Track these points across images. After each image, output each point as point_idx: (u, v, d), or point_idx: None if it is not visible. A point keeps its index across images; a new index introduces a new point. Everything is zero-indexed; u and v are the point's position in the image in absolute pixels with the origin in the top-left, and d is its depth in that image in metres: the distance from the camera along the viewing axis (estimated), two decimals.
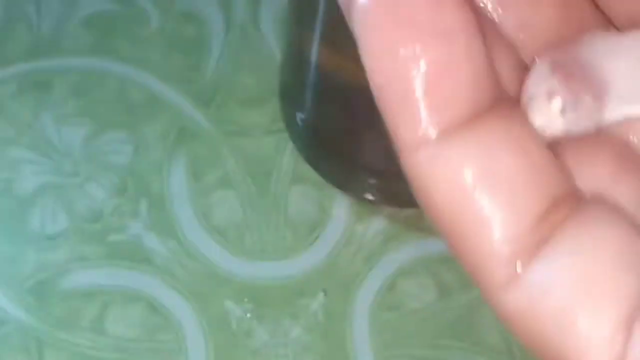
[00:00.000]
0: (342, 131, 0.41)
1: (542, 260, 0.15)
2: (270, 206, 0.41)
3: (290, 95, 0.42)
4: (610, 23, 0.18)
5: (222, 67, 0.44)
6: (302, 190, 0.41)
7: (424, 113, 0.14)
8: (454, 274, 0.39)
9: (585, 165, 0.16)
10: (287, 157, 0.42)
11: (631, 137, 0.17)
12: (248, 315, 0.38)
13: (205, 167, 0.42)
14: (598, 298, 0.14)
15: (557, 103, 0.16)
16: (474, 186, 0.14)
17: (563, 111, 0.16)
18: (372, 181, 0.41)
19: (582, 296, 0.14)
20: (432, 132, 0.14)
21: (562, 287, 0.15)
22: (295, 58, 0.41)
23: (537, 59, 0.17)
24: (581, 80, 0.17)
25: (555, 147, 0.16)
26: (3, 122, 0.42)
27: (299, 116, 0.41)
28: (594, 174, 0.16)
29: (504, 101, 0.15)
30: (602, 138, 0.17)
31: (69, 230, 0.39)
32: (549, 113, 0.16)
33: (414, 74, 0.14)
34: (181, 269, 0.39)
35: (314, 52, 0.38)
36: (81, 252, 0.39)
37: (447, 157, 0.15)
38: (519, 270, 0.15)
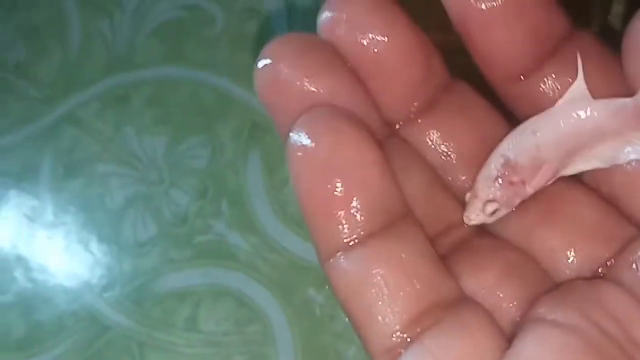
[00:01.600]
0: None
1: (410, 356, 0.18)
2: None
3: None
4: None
5: None
6: None
7: (337, 228, 0.18)
8: None
9: (474, 270, 0.19)
10: None
11: (603, 187, 0.20)
12: (328, 301, 0.40)
13: (279, 161, 0.43)
14: None
15: (490, 208, 0.19)
16: (365, 292, 0.18)
17: (493, 213, 0.19)
18: None
19: None
20: (344, 243, 0.18)
21: None
22: None
23: (495, 153, 0.20)
24: (520, 173, 0.19)
25: (449, 255, 0.19)
26: (89, 140, 0.45)
27: None
28: (480, 279, 0.19)
29: (403, 219, 0.18)
30: (498, 244, 0.20)
31: (158, 236, 0.42)
32: (482, 215, 0.19)
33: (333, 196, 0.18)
34: (263, 262, 0.41)
35: None
36: (171, 255, 0.42)
37: (345, 269, 0.18)
38: None
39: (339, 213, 0.18)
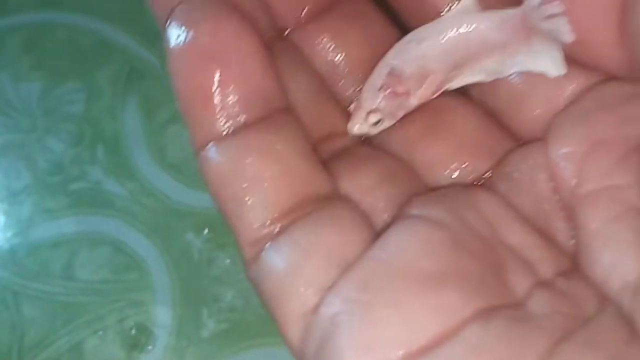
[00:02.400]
0: None
1: (275, 245, 0.17)
2: None
3: None
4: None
5: None
6: None
7: (211, 118, 0.18)
8: None
9: (352, 174, 0.19)
10: None
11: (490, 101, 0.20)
12: (207, 245, 0.39)
13: (158, 106, 0.43)
14: (306, 273, 0.17)
15: (374, 118, 0.19)
16: (235, 181, 0.18)
17: (376, 123, 0.19)
18: None
19: (295, 270, 0.17)
20: (218, 132, 0.18)
21: (281, 266, 0.17)
22: None
23: (380, 64, 0.19)
24: (405, 84, 0.19)
25: (329, 160, 0.19)
26: None
27: None
28: (357, 182, 0.19)
29: (281, 113, 0.18)
30: (380, 154, 0.20)
31: (33, 185, 0.41)
32: (365, 125, 0.19)
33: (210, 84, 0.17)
34: (141, 208, 0.40)
35: None
36: (46, 204, 0.41)
37: (216, 158, 0.18)
38: (262, 252, 0.18)
39: (214, 101, 0.17)
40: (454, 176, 0.19)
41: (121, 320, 0.39)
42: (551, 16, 0.18)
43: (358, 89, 0.20)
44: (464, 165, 0.19)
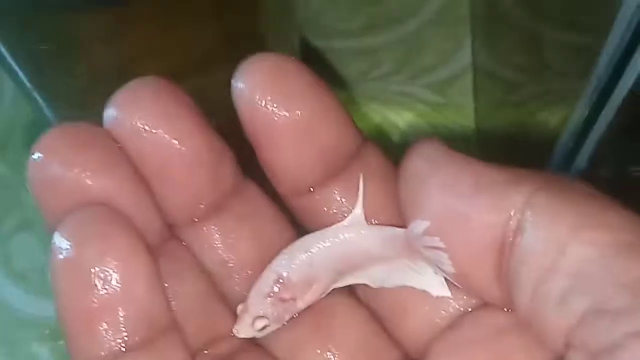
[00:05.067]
0: None
1: None
2: None
3: None
4: None
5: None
6: None
7: (94, 341, 0.17)
8: None
9: None
10: None
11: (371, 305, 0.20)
12: (53, 354, 0.39)
13: (4, 214, 0.42)
14: None
15: (260, 324, 0.20)
16: None
17: (263, 328, 0.20)
18: None
19: None
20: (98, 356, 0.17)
21: None
22: None
23: (266, 271, 0.20)
24: (291, 290, 0.20)
25: None
26: None
27: None
28: None
29: (164, 335, 0.18)
30: None
31: None
32: (251, 330, 0.20)
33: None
34: None
35: None
36: None
37: None
38: None
39: (98, 326, 0.17)
40: None
41: None
42: (432, 248, 0.18)
43: (246, 289, 0.20)
44: None
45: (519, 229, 0.17)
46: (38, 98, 0.30)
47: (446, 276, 0.19)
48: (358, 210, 0.19)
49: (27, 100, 0.31)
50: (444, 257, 0.18)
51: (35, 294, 0.40)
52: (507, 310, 0.18)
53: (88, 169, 0.18)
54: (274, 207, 0.21)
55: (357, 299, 0.21)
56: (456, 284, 0.18)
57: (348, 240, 0.20)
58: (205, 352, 0.20)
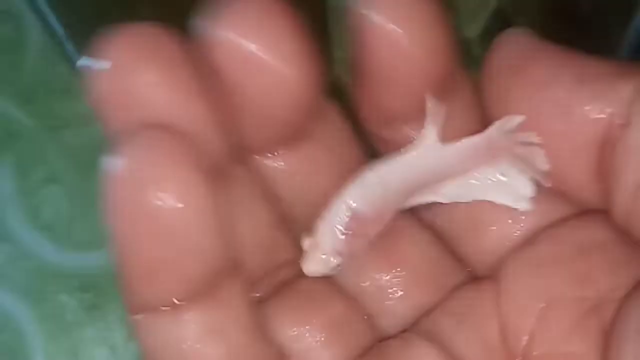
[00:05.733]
0: None
1: None
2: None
3: None
4: None
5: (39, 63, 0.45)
6: None
7: (154, 290, 0.16)
8: None
9: (295, 323, 0.18)
10: None
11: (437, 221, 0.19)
12: (82, 305, 0.40)
13: (32, 166, 0.43)
14: None
15: (334, 262, 0.18)
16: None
17: (336, 266, 0.18)
18: None
19: None
20: (157, 305, 0.16)
21: None
22: None
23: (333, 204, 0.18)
24: (367, 226, 0.18)
25: (274, 296, 0.19)
26: None
27: None
28: (300, 335, 0.18)
29: (226, 280, 0.17)
30: (326, 292, 0.19)
31: None
32: (322, 266, 0.18)
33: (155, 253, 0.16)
34: (16, 270, 0.41)
35: None
36: None
37: (156, 332, 0.17)
38: None
39: (158, 275, 0.16)
40: (398, 310, 0.19)
41: None
42: (525, 143, 0.17)
43: (317, 217, 0.18)
44: (409, 299, 0.19)
45: (625, 124, 0.16)
46: (69, 47, 0.30)
47: (538, 176, 0.17)
48: (429, 127, 0.18)
49: (55, 53, 0.30)
50: (539, 153, 0.17)
51: (64, 245, 0.41)
52: (604, 210, 0.17)
53: (154, 82, 0.16)
54: (352, 131, 0.19)
55: (420, 220, 0.20)
56: (548, 184, 0.17)
57: (422, 159, 0.18)
58: (265, 280, 0.19)
